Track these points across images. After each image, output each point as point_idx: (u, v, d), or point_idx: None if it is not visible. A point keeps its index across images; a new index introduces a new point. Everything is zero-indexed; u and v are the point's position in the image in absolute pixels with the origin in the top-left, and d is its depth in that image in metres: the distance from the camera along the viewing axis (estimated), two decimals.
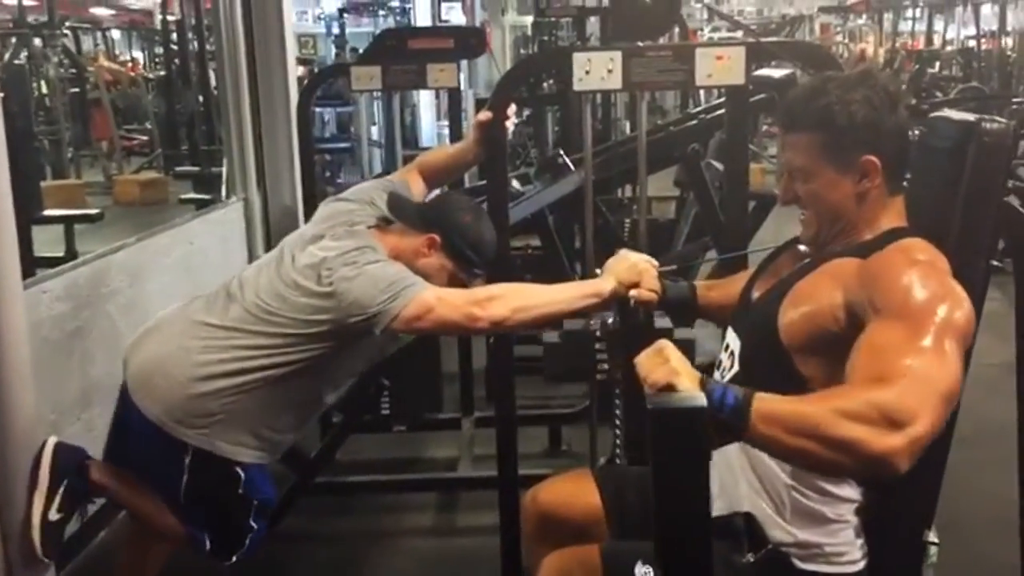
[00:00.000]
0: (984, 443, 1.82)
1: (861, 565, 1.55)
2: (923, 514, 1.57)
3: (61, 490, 2.11)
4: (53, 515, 2.09)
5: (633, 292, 1.93)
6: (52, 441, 2.15)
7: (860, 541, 1.56)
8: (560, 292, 2.01)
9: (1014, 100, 7.17)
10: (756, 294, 1.69)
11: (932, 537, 1.60)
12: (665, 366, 1.23)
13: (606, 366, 2.15)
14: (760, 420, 1.19)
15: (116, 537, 2.84)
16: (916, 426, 1.16)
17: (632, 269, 1.95)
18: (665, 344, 1.28)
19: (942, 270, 1.40)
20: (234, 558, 2.25)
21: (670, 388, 1.21)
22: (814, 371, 1.46)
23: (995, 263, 1.53)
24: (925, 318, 1.29)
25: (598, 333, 2.13)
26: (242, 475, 2.19)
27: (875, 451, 1.15)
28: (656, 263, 1.99)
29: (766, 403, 1.20)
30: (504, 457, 2.35)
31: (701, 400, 1.16)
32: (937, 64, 12.24)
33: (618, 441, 2.38)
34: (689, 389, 1.20)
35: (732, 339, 1.68)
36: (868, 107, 1.47)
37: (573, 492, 1.94)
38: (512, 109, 2.27)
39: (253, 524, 2.24)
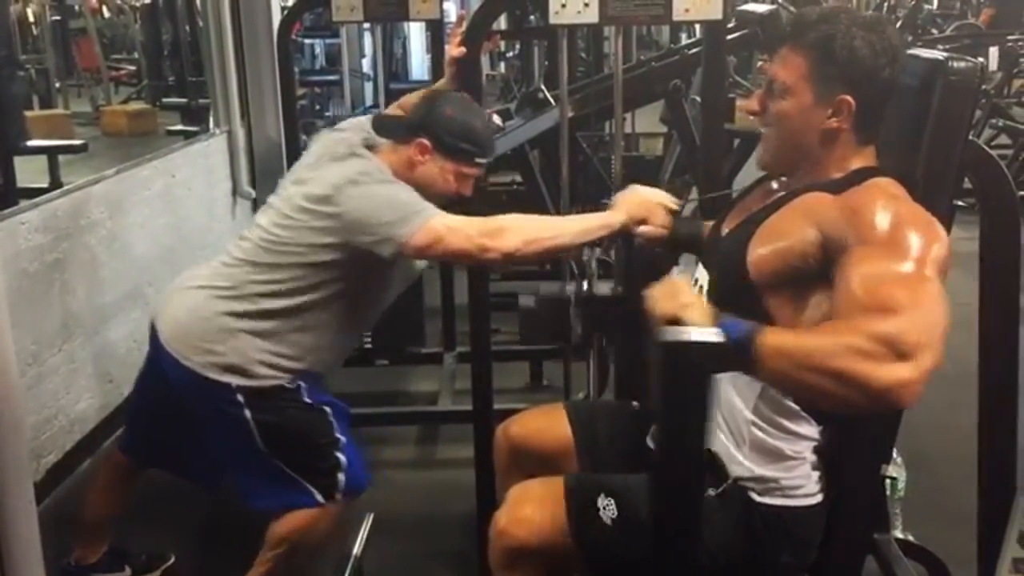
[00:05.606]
0: (961, 382, 1.83)
1: (818, 498, 1.58)
2: (882, 449, 1.60)
3: None
4: None
5: (642, 228, 1.92)
6: None
7: (817, 475, 1.59)
8: (570, 224, 1.99)
9: (1008, 38, 7.11)
10: (726, 229, 1.68)
11: (892, 472, 1.64)
12: (676, 299, 1.25)
13: (579, 331, 2.15)
14: (768, 354, 1.18)
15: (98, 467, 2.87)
16: (924, 358, 1.16)
17: (642, 205, 1.93)
18: (678, 279, 1.31)
19: (917, 206, 1.40)
20: (338, 496, 2.13)
21: (679, 321, 1.22)
22: (779, 307, 1.47)
23: (959, 203, 1.54)
24: (910, 250, 1.30)
25: (572, 300, 2.13)
26: (299, 384, 2.12)
27: (884, 384, 1.15)
28: (671, 200, 1.96)
29: (774, 337, 1.20)
30: (479, 391, 2.38)
31: (716, 335, 1.17)
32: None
33: (591, 377, 2.42)
34: (700, 323, 1.21)
35: (701, 274, 1.69)
36: (869, 50, 1.46)
37: (544, 425, 1.96)
38: (495, 41, 2.25)
39: (340, 436, 2.15)
